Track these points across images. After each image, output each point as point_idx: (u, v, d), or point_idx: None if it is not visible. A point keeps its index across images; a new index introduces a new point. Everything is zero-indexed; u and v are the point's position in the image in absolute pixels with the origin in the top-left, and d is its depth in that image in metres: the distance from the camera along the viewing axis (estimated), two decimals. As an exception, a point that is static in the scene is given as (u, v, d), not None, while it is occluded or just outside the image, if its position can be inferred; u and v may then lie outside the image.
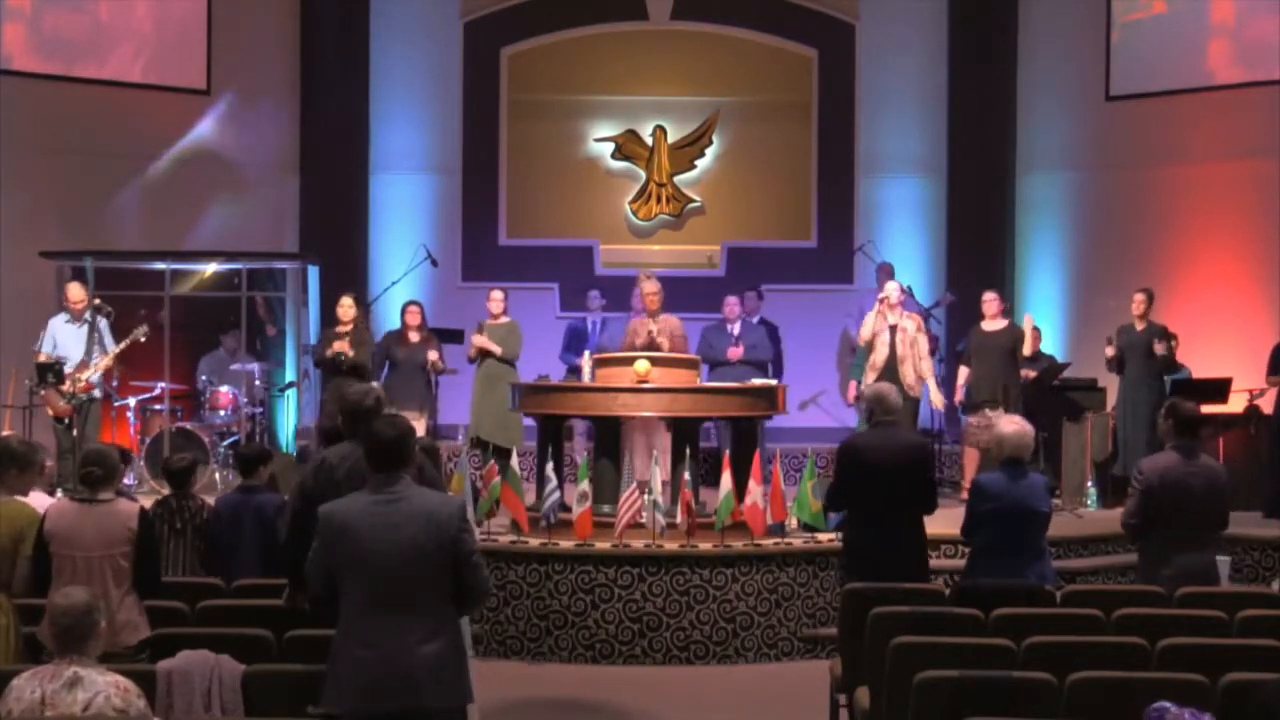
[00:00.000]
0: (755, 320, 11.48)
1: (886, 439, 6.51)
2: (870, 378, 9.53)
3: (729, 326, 10.77)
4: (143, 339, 9.93)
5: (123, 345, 9.80)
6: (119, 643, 5.06)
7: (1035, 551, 6.21)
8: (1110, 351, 10.22)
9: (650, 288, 9.45)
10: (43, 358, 9.67)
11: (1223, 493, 6.35)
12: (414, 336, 10.48)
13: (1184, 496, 6.21)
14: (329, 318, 11.25)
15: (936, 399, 10.06)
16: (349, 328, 10.06)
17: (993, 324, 10.25)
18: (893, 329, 9.77)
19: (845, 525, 6.80)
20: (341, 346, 9.85)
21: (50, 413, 9.72)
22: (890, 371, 9.60)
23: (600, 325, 11.69)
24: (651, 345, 9.14)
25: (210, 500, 7.00)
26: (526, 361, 10.49)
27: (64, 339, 9.79)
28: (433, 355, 10.41)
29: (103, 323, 9.86)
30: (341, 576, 4.28)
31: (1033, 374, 10.63)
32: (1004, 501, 6.15)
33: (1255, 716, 3.15)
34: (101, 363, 9.72)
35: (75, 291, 9.91)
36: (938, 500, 6.68)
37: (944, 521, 7.39)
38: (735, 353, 10.47)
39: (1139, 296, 10.26)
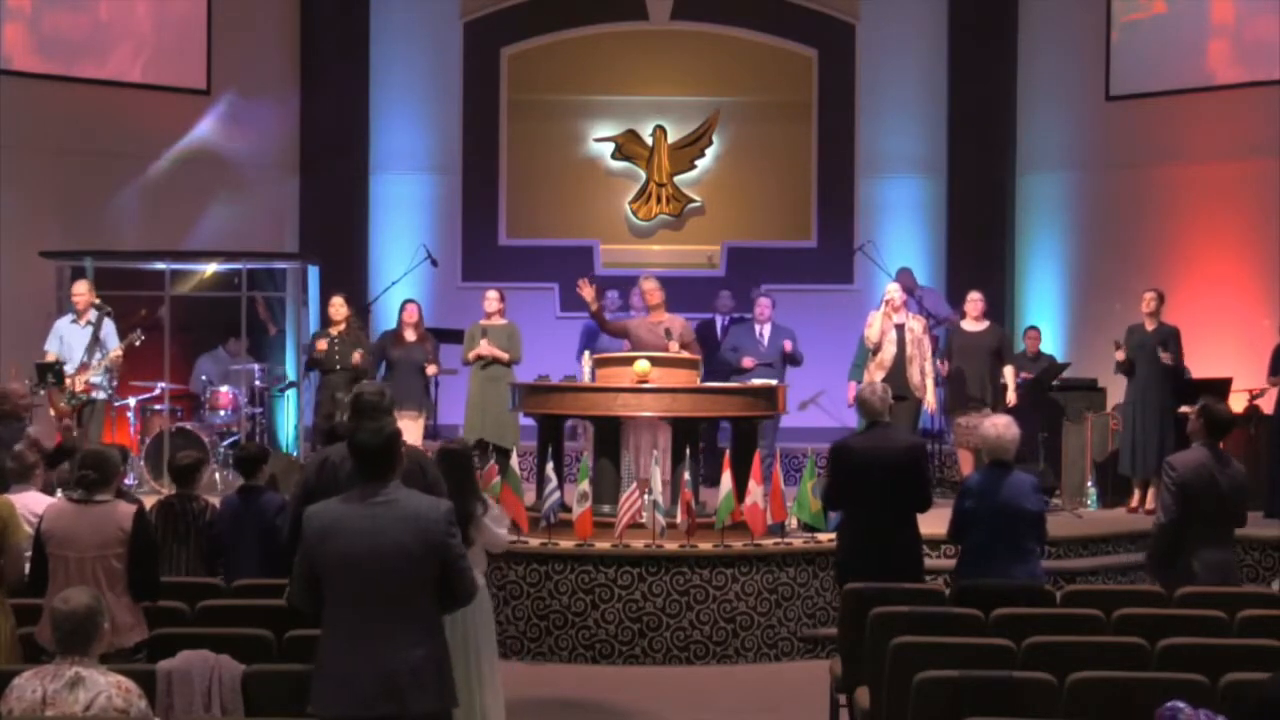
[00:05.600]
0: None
1: (877, 440, 6.58)
2: (878, 377, 9.49)
3: (758, 328, 10.72)
4: (137, 344, 9.88)
5: (119, 350, 9.72)
6: (114, 644, 5.04)
7: (1023, 551, 6.22)
8: (1120, 355, 10.09)
9: (650, 285, 9.44)
10: (50, 357, 9.65)
11: (1245, 492, 6.44)
12: (410, 335, 10.45)
13: (1213, 494, 6.26)
14: (328, 318, 11.23)
15: (931, 401, 10.02)
16: (341, 327, 10.06)
17: (975, 325, 10.21)
18: (899, 328, 9.75)
19: (839, 525, 6.84)
20: (323, 346, 9.91)
21: (52, 413, 9.71)
22: (898, 371, 9.57)
23: None
24: (658, 347, 9.07)
25: (214, 500, 6.99)
26: (526, 361, 10.48)
27: (69, 339, 9.76)
28: (431, 370, 10.41)
29: (108, 324, 9.81)
30: (325, 580, 4.22)
31: (1029, 374, 10.63)
32: (988, 501, 6.19)
33: (1257, 711, 3.16)
34: (102, 362, 9.68)
35: (79, 287, 9.87)
36: (932, 498, 6.72)
37: (941, 522, 7.39)
38: (749, 361, 10.42)
39: (1149, 296, 10.09)
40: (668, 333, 9.06)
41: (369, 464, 4.28)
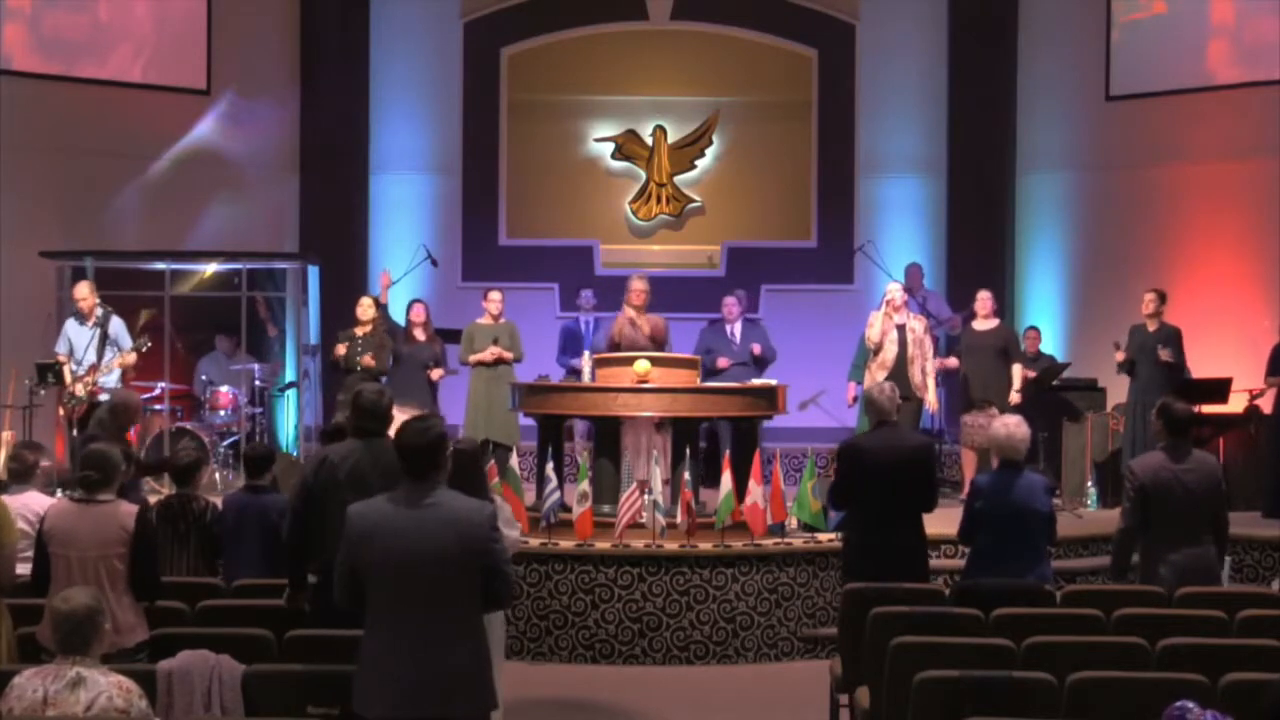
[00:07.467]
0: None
1: (887, 440, 6.54)
2: (880, 377, 9.49)
3: (728, 328, 10.73)
4: (143, 349, 9.85)
5: (131, 355, 9.65)
6: (116, 644, 5.04)
7: (1034, 552, 6.21)
8: (1120, 356, 10.10)
9: (637, 285, 9.47)
10: (61, 358, 9.62)
11: (1217, 490, 6.31)
12: (419, 335, 10.46)
13: (1175, 495, 6.21)
14: (329, 318, 11.23)
15: (933, 401, 10.03)
16: (368, 328, 10.04)
17: (984, 324, 10.24)
18: (900, 328, 9.75)
19: (846, 525, 6.82)
20: (365, 360, 9.85)
21: (61, 413, 9.69)
22: (900, 371, 9.56)
23: (594, 325, 11.63)
24: (636, 342, 9.12)
25: (214, 499, 6.99)
26: (527, 361, 10.48)
27: (78, 341, 9.73)
28: (436, 374, 10.40)
29: (117, 323, 9.75)
30: (368, 580, 4.21)
31: (1032, 374, 10.62)
32: (999, 502, 6.18)
33: (1264, 714, 3.15)
34: (114, 362, 9.61)
35: (81, 291, 9.82)
36: (938, 499, 6.69)
37: (944, 521, 7.40)
38: (724, 362, 10.47)
39: (1149, 296, 10.09)
40: (638, 312, 9.20)
41: (412, 463, 4.26)
